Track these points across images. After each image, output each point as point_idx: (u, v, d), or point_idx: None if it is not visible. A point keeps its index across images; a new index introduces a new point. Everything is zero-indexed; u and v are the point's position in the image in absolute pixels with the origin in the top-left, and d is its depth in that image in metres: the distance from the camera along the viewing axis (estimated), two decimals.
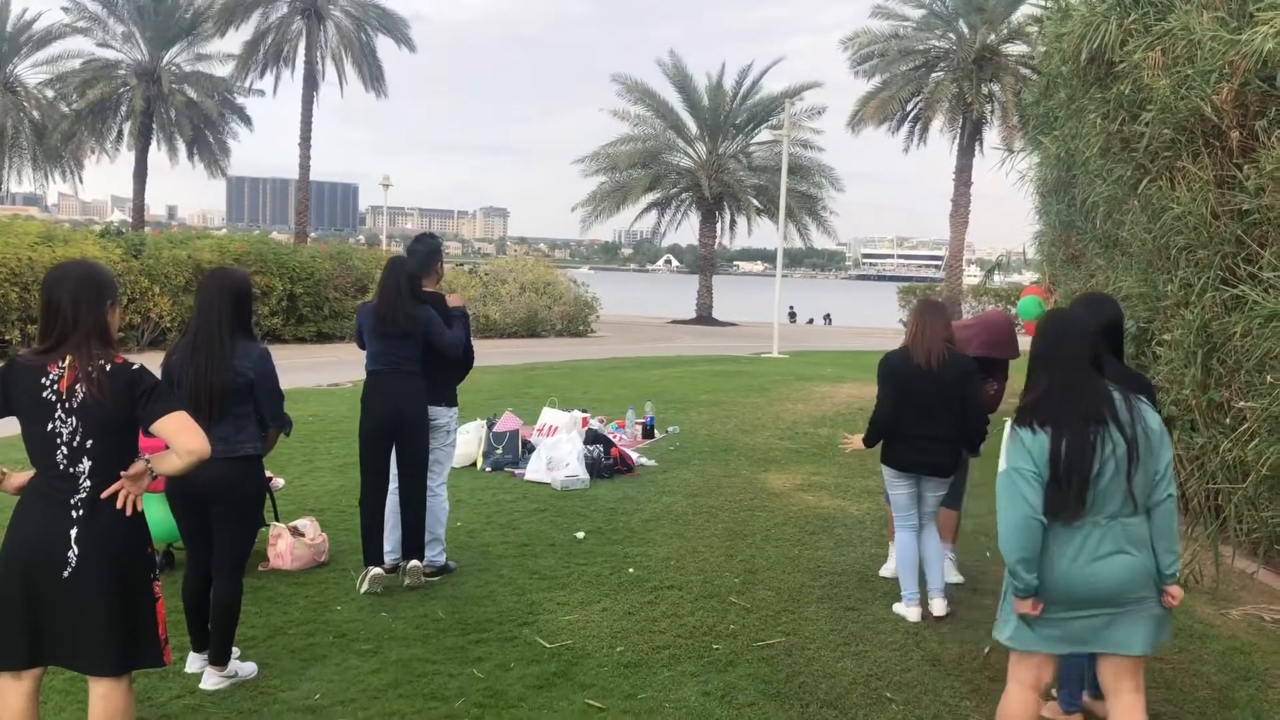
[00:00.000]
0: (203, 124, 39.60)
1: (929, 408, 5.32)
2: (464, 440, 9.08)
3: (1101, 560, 3.31)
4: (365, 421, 5.69)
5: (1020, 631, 3.48)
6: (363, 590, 5.53)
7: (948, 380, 5.31)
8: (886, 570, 6.19)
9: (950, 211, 34.90)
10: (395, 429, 5.63)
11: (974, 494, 6.42)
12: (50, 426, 3.14)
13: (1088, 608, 3.35)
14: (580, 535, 6.87)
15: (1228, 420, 6.02)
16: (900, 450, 5.45)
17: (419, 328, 5.57)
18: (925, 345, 5.32)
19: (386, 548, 5.85)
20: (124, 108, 38.83)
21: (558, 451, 8.65)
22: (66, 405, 3.13)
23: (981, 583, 6.06)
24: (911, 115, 34.74)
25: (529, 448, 9.15)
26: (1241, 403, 5.86)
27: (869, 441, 5.63)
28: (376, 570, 5.59)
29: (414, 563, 5.66)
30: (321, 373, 16.19)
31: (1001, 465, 3.44)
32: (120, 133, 39.68)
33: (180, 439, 3.16)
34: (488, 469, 8.98)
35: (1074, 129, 8.07)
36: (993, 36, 32.54)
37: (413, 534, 5.70)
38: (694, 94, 36.99)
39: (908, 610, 5.45)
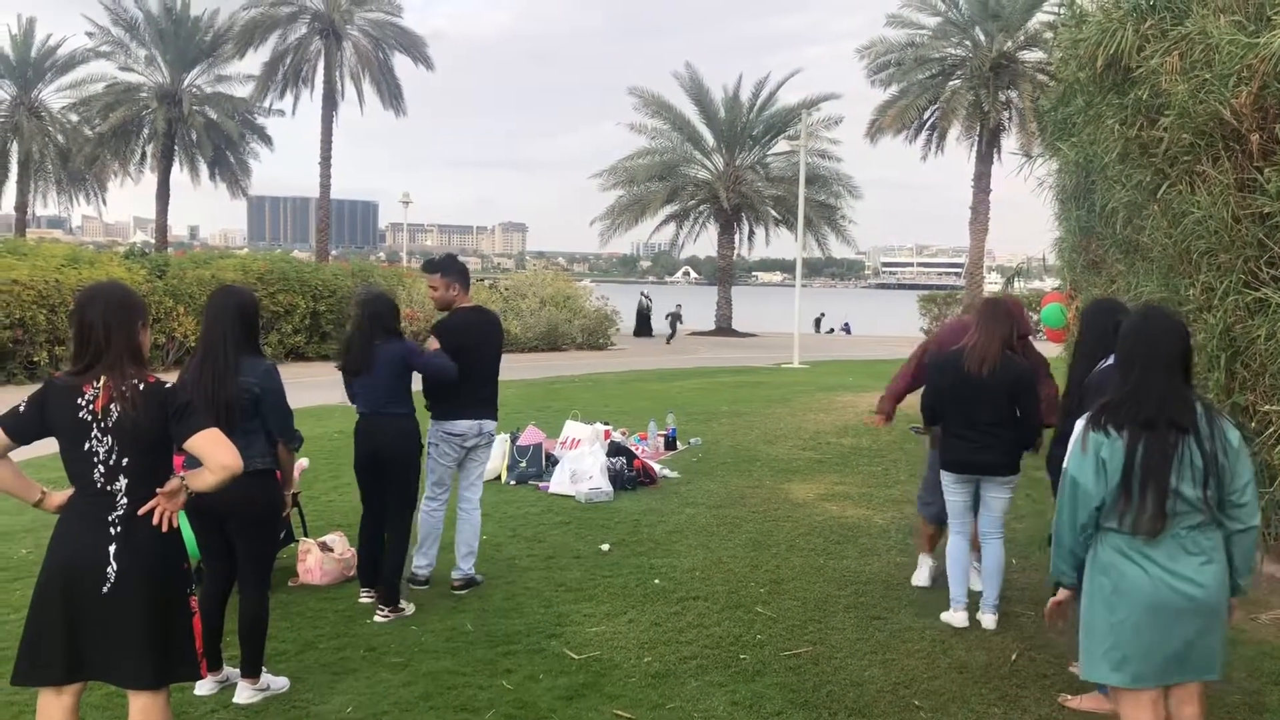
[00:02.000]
0: (223, 144, 40.04)
1: (978, 412, 5.32)
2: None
3: (1199, 575, 3.18)
4: (355, 454, 5.73)
5: (1119, 664, 3.23)
6: (363, 601, 5.65)
7: (999, 389, 5.30)
8: (918, 579, 6.18)
9: (969, 219, 34.80)
10: (374, 468, 5.63)
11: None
12: (87, 446, 3.20)
13: (1179, 624, 3.18)
14: (605, 547, 6.90)
15: (1253, 424, 5.99)
16: (955, 450, 5.45)
17: (377, 365, 5.48)
18: (980, 353, 5.30)
19: (422, 562, 5.95)
20: (146, 130, 39.35)
21: (581, 464, 8.69)
22: (102, 424, 3.19)
23: (1008, 589, 6.04)
24: (929, 123, 34.70)
25: (552, 461, 9.19)
26: (1267, 406, 5.84)
27: (926, 420, 5.68)
28: (367, 597, 5.68)
29: (378, 611, 5.51)
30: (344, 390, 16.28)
31: (1065, 464, 3.35)
32: (143, 154, 40.21)
33: (213, 455, 3.22)
34: (512, 482, 9.02)
35: (1092, 135, 8.06)
36: (1009, 44, 32.49)
37: (390, 573, 5.53)
38: (710, 106, 37.09)
39: (954, 617, 5.44)
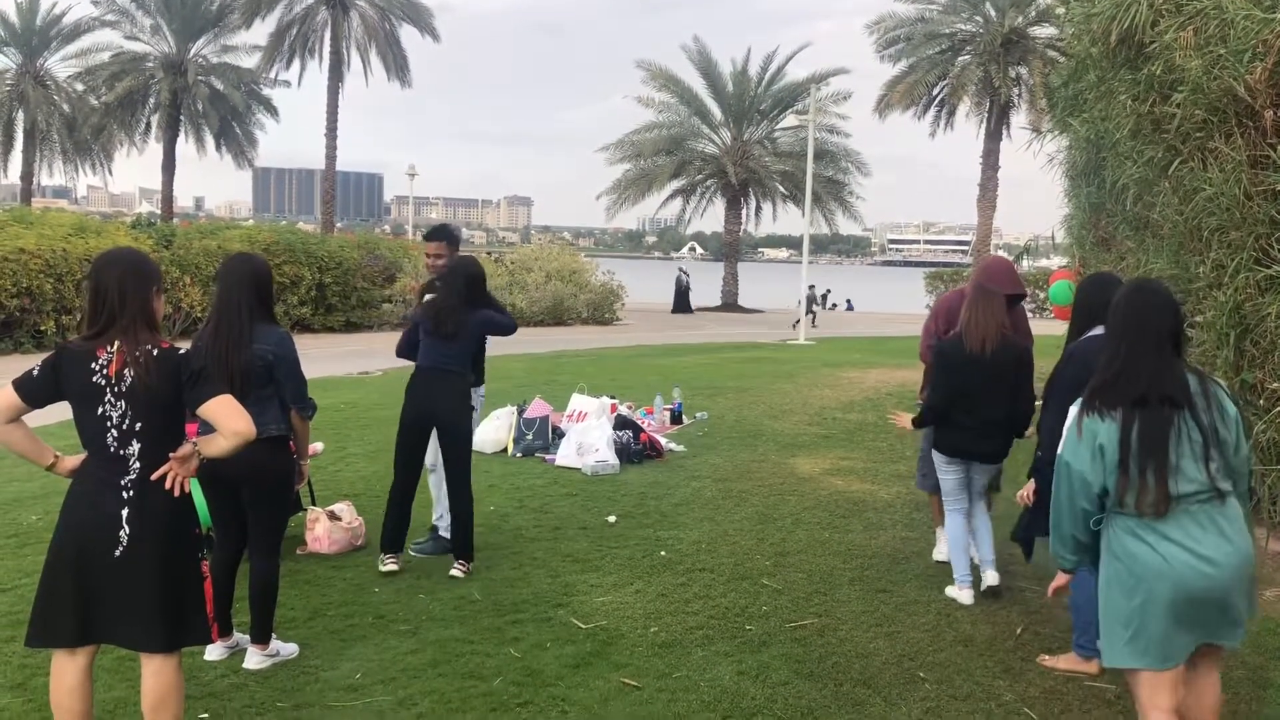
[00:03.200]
0: (229, 115, 39.97)
1: (982, 395, 5.30)
2: (495, 426, 9.17)
3: (1214, 550, 3.08)
4: (405, 412, 5.81)
5: (1143, 650, 3.15)
6: (383, 570, 5.68)
7: (1002, 367, 5.29)
8: (939, 554, 6.17)
9: (977, 196, 34.74)
10: (427, 427, 5.77)
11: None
12: (100, 410, 3.22)
13: (1201, 602, 3.10)
14: (611, 519, 6.93)
15: (1261, 402, 6.00)
16: (952, 437, 5.46)
17: (467, 332, 5.72)
18: (979, 333, 5.28)
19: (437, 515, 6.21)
20: (152, 100, 39.30)
21: (588, 437, 8.71)
22: (116, 389, 3.21)
23: (1011, 564, 6.07)
24: (938, 99, 34.59)
25: (559, 433, 9.21)
26: (1276, 384, 5.84)
27: (919, 424, 5.68)
28: (390, 564, 5.70)
29: (456, 567, 5.71)
30: (351, 361, 16.34)
31: (1060, 450, 3.29)
32: (148, 125, 40.16)
33: (227, 421, 3.24)
34: (518, 454, 9.05)
35: (1104, 111, 8.02)
36: (1020, 19, 32.30)
37: (459, 534, 5.76)
38: (719, 80, 36.90)
39: (960, 593, 5.46)
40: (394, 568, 5.68)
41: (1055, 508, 3.32)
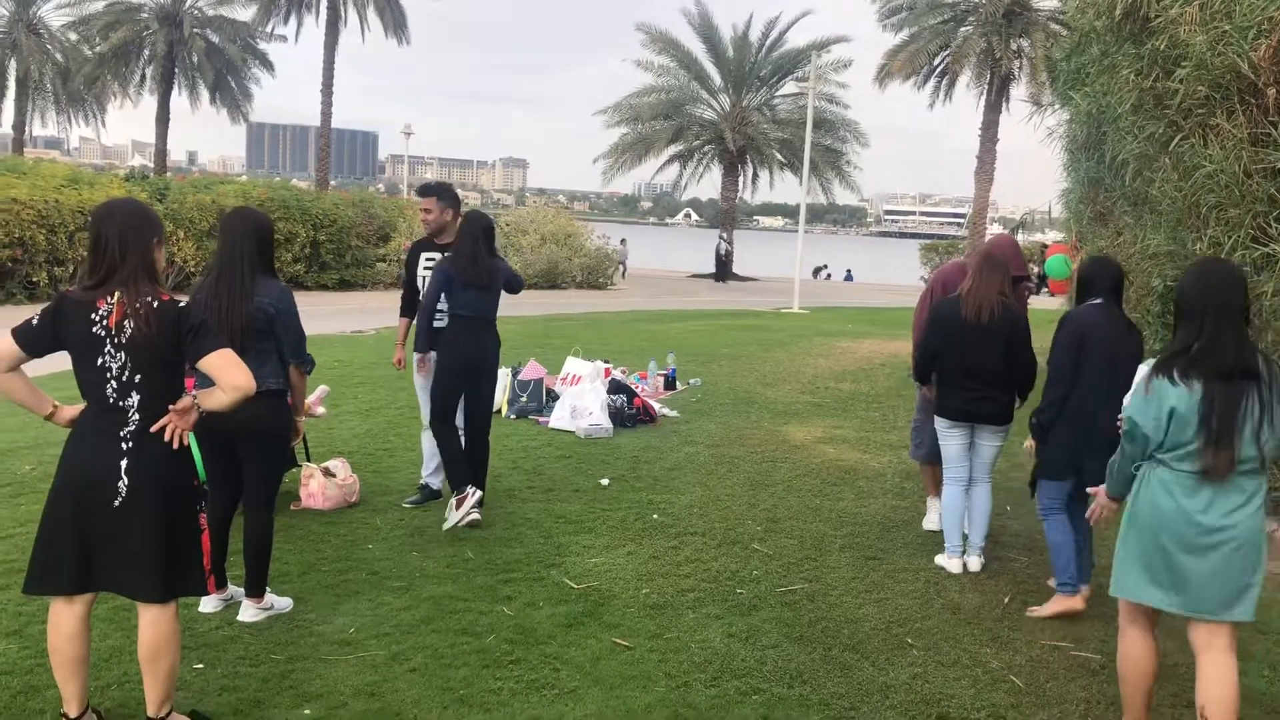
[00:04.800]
0: (224, 69, 39.60)
1: (979, 360, 5.33)
2: None
3: (1230, 518, 3.35)
4: (448, 361, 5.94)
5: (1147, 584, 3.48)
6: (463, 519, 5.71)
7: (999, 335, 5.32)
8: (929, 524, 6.20)
9: (975, 168, 34.60)
10: (475, 373, 5.97)
11: None
12: (100, 361, 3.22)
13: (1208, 558, 3.36)
14: (605, 482, 6.96)
15: None
16: (952, 400, 5.47)
17: (498, 280, 5.97)
18: (977, 300, 5.31)
19: (429, 471, 6.42)
20: (146, 51, 38.84)
21: (582, 400, 8.73)
22: (116, 340, 3.21)
23: (1003, 534, 6.12)
24: (939, 70, 34.33)
25: (553, 396, 9.24)
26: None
27: (917, 376, 5.76)
28: (475, 492, 5.79)
29: (477, 493, 5.84)
30: (344, 320, 16.32)
31: (1127, 404, 3.52)
32: (143, 77, 39.71)
33: (226, 375, 3.24)
34: (512, 416, 9.08)
35: (1106, 85, 8.00)
36: None
37: (481, 468, 6.09)
38: (719, 45, 36.62)
39: (949, 562, 5.50)
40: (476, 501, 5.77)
41: (1120, 457, 3.57)
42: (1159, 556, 3.43)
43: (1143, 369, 3.50)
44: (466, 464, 5.91)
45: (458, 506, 5.71)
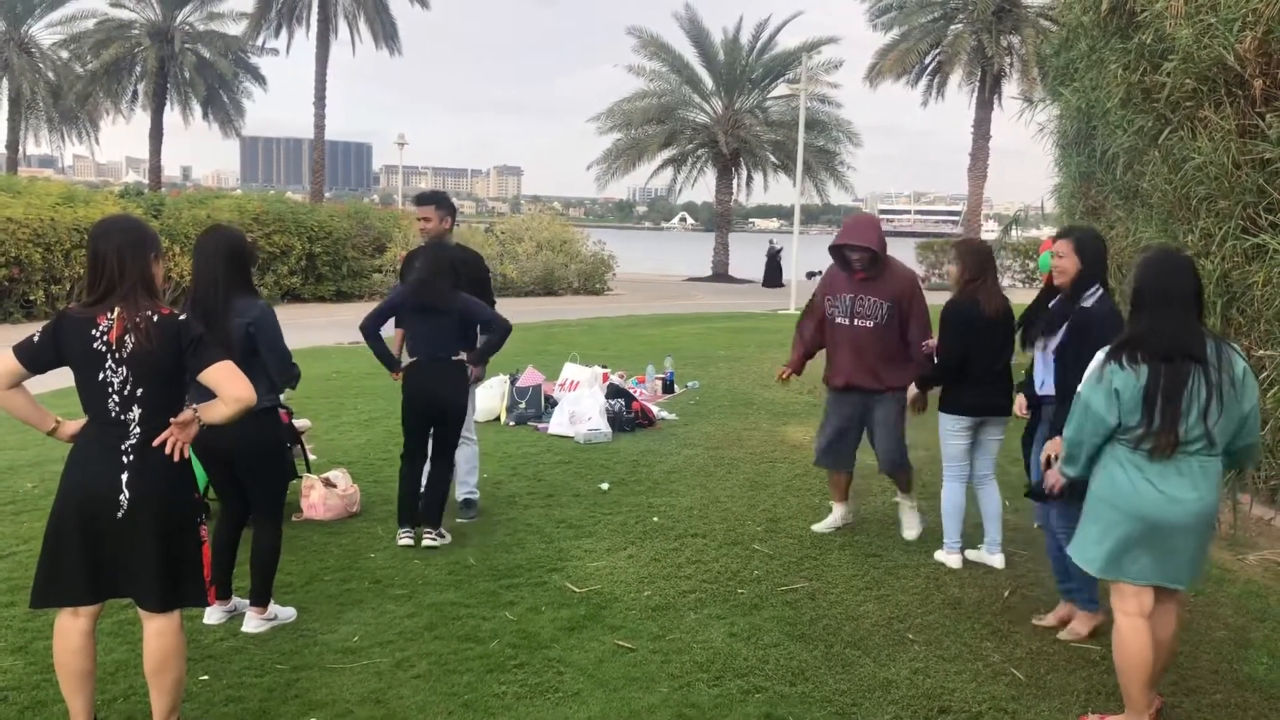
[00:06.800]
0: (216, 83, 39.58)
1: (992, 353, 5.40)
2: (487, 395, 9.20)
3: (1181, 494, 3.53)
4: (406, 398, 5.73)
5: (1104, 555, 3.67)
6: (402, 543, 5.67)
7: (1007, 327, 5.41)
8: (909, 534, 6.09)
9: (968, 166, 34.66)
10: (442, 411, 5.69)
11: (916, 424, 6.26)
12: (101, 376, 3.25)
13: (1161, 533, 3.56)
14: (604, 486, 6.99)
15: None
16: (970, 394, 5.46)
17: (454, 307, 5.57)
18: (993, 298, 5.41)
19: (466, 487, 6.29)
20: (138, 68, 38.83)
21: (580, 405, 8.76)
22: (117, 355, 3.24)
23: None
24: (930, 68, 34.41)
25: (551, 402, 9.26)
26: (1261, 351, 5.91)
27: (927, 385, 5.77)
28: (405, 540, 5.68)
29: (428, 534, 5.70)
30: (342, 331, 16.31)
31: (1080, 388, 3.69)
32: (135, 93, 39.70)
33: (227, 387, 3.27)
34: (511, 423, 9.10)
35: (1094, 80, 8.05)
36: None
37: (439, 502, 5.75)
38: (710, 48, 36.63)
39: (949, 558, 5.54)
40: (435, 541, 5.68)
41: (1070, 437, 3.76)
42: (1120, 530, 3.61)
43: (1099, 355, 3.67)
44: (413, 508, 5.72)
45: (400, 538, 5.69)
